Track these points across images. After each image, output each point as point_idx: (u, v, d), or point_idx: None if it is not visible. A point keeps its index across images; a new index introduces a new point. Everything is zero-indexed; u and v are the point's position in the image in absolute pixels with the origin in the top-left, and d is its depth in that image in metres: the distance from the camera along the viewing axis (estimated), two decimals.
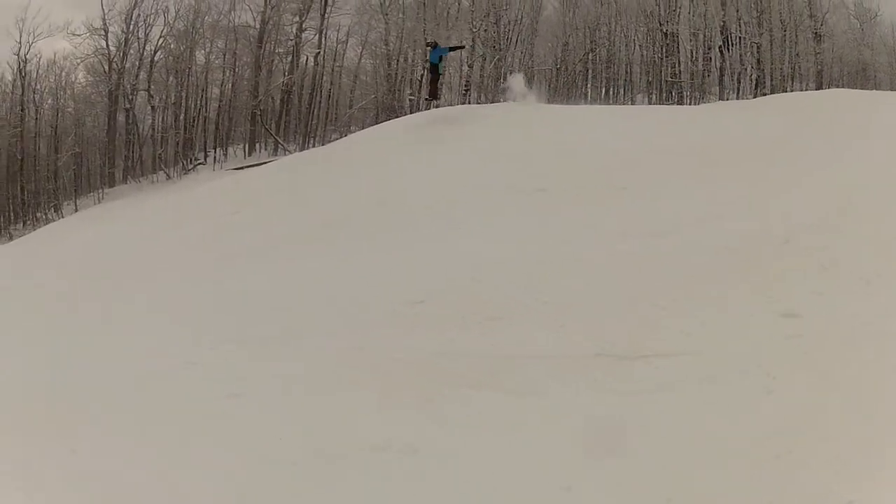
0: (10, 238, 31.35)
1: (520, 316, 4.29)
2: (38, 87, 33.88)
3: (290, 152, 27.36)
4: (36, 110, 33.30)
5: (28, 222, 31.92)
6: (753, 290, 4.20)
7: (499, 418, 3.15)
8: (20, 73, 33.43)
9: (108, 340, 5.49)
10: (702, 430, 2.78)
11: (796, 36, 37.47)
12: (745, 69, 35.57)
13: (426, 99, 13.78)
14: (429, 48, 14.47)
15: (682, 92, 33.18)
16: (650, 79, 32.84)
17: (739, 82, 35.34)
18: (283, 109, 28.17)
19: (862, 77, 39.26)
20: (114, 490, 2.94)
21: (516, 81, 24.57)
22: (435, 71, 14.48)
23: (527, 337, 3.96)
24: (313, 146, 27.79)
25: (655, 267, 4.77)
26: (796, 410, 2.87)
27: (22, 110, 33.23)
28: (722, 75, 35.23)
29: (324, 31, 28.61)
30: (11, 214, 33.09)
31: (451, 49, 14.94)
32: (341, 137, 26.03)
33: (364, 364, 4.01)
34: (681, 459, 2.60)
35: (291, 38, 28.55)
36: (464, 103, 27.94)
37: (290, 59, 28.25)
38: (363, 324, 4.67)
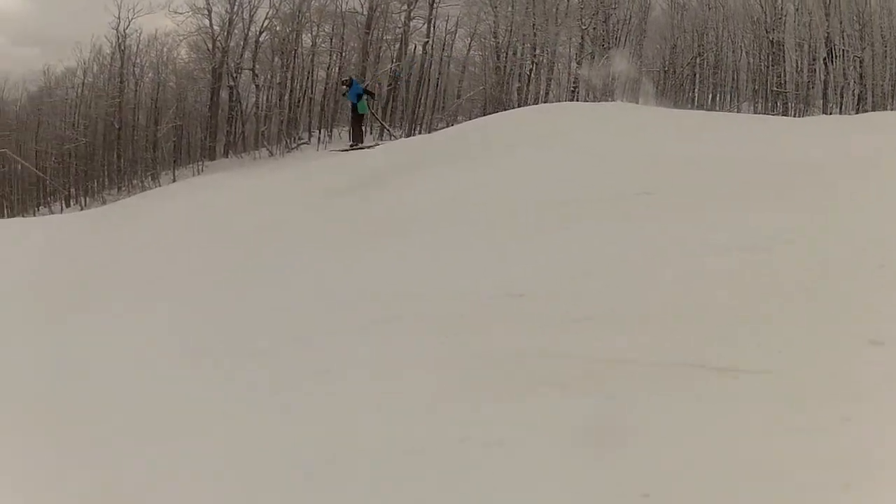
0: (104, 202, 31.61)
1: (615, 319, 4.23)
2: (139, 61, 34.02)
3: (396, 137, 27.11)
4: (136, 83, 33.56)
5: (123, 188, 32.15)
6: (843, 315, 3.98)
7: (588, 423, 3.07)
8: (119, 48, 33.64)
9: None
10: (775, 452, 2.63)
11: None
12: (848, 83, 34.47)
13: (350, 144, 12.74)
14: (344, 86, 13.34)
15: (787, 102, 32.26)
16: (756, 87, 31.98)
17: (842, 97, 34.30)
18: (390, 95, 27.87)
19: None
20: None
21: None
22: (355, 111, 13.46)
23: (620, 341, 3.89)
24: (419, 133, 27.53)
25: (749, 283, 4.57)
26: (871, 440, 2.66)
27: (121, 82, 33.42)
28: (826, 88, 34.25)
29: (432, 21, 28.34)
30: (106, 180, 33.38)
31: (366, 92, 13.57)
32: (447, 126, 25.75)
33: (458, 353, 4.00)
34: (745, 481, 2.47)
35: (399, 25, 28.19)
36: (571, 100, 27.53)
37: (398, 46, 27.88)
38: (461, 312, 4.69)
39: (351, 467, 3.10)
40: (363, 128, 13.03)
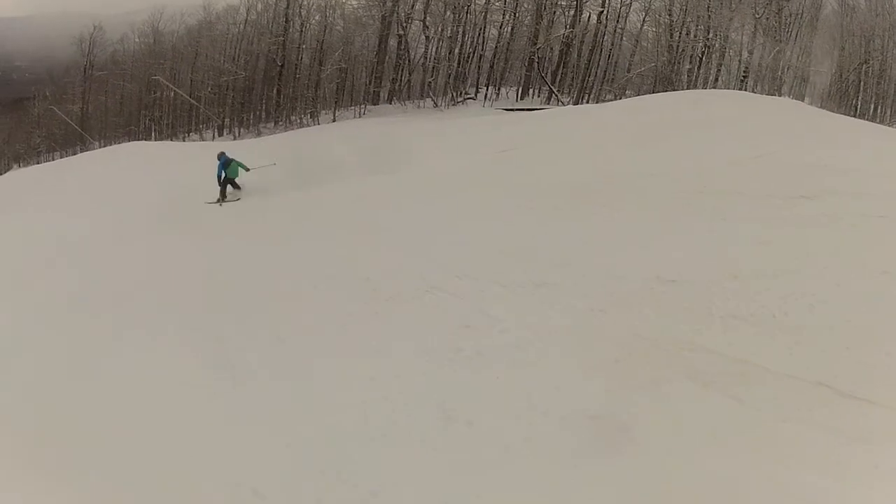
0: (259, 134, 32.49)
1: (762, 323, 4.21)
2: (306, 2, 34.82)
3: (564, 104, 27.32)
4: (301, 24, 34.29)
5: (280, 123, 33.03)
6: None
7: (714, 421, 3.20)
8: None
9: None
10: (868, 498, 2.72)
11: None
12: None
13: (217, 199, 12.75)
14: (218, 160, 13.40)
15: None
16: None
17: None
18: (561, 61, 28.14)
19: None
20: None
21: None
22: (227, 179, 13.58)
23: (761, 346, 3.90)
24: (587, 102, 27.68)
25: None
26: None
27: (286, 21, 34.25)
28: None
29: None
30: (263, 114, 34.32)
31: (239, 165, 13.58)
32: (616, 99, 25.84)
33: (603, 333, 4.11)
34: None
35: None
36: (741, 89, 27.28)
37: (572, 12, 28.08)
38: (614, 291, 4.77)
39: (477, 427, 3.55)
40: (227, 193, 13.50)
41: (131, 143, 34.09)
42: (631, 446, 3.16)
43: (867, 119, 30.03)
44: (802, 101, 27.79)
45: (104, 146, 38.48)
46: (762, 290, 4.64)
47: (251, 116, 34.19)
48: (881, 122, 31.14)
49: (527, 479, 3.12)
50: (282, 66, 33.57)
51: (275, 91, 33.26)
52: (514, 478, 3.14)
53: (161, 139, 38.86)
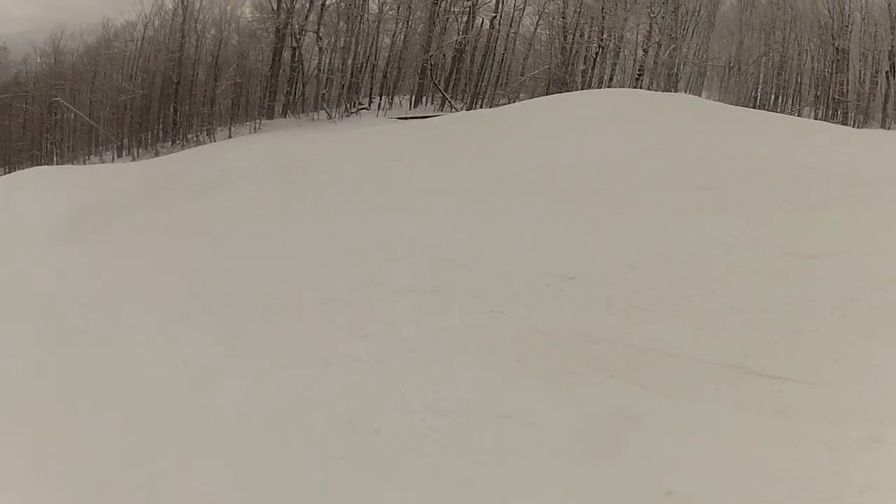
0: (157, 154, 31.31)
1: (664, 310, 4.20)
2: (201, 17, 33.65)
3: (457, 109, 26.60)
4: (197, 39, 33.11)
5: (177, 142, 31.83)
6: None
7: (622, 408, 3.14)
8: (182, 3, 33.35)
9: None
10: (791, 471, 2.63)
11: None
12: None
13: None
14: None
15: (846, 112, 31.37)
16: (818, 93, 31.10)
17: None
18: (454, 68, 27.41)
19: None
20: None
21: None
22: None
23: (665, 333, 3.89)
24: (480, 107, 26.99)
25: (808, 291, 4.42)
26: None
27: (182, 37, 33.06)
28: (886, 102, 33.29)
29: None
30: (161, 133, 33.07)
31: None
32: (509, 102, 25.16)
33: (502, 332, 4.07)
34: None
35: None
36: (635, 87, 26.86)
37: (465, 18, 27.41)
38: (512, 290, 4.74)
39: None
40: None
41: (32, 168, 32.48)
42: (540, 442, 3.04)
43: (767, 109, 29.85)
44: (699, 95, 27.54)
45: (8, 172, 36.76)
46: (662, 279, 4.63)
47: (149, 136, 32.86)
48: (782, 111, 30.98)
49: (431, 480, 3.06)
50: (178, 83, 32.32)
51: (171, 109, 31.97)
52: (419, 479, 3.06)
53: (62, 163, 37.27)
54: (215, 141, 30.24)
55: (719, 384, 3.28)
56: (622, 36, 28.95)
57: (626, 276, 4.73)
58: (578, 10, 28.84)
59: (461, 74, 28.44)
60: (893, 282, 4.29)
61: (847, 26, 33.84)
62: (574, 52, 28.17)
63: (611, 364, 3.59)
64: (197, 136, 31.15)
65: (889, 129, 31.66)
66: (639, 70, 28.45)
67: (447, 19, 28.70)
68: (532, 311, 4.42)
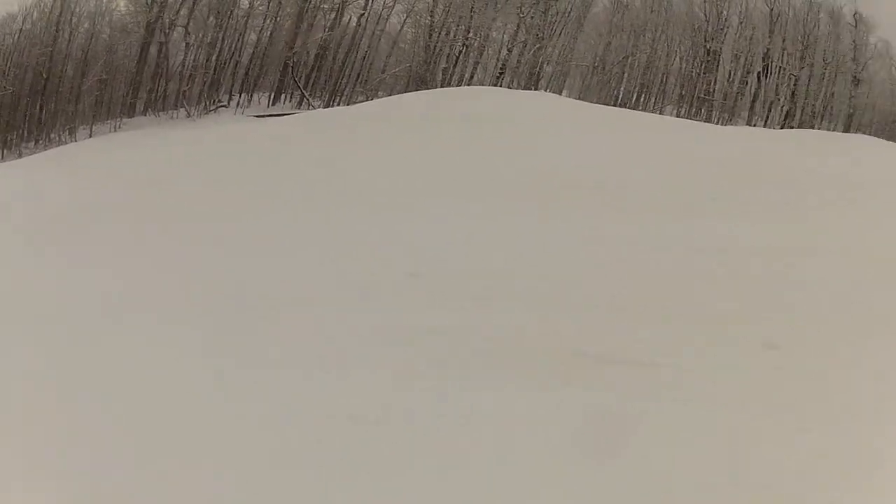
0: (20, 155, 30.39)
1: (510, 301, 4.34)
2: (77, 9, 32.77)
3: (315, 107, 26.50)
4: (70, 32, 32.23)
5: (41, 142, 30.95)
6: (741, 318, 4.16)
7: (471, 403, 3.07)
8: None
9: None
10: (650, 449, 2.63)
11: (835, 76, 36.39)
12: (779, 99, 34.57)
13: None
14: None
15: (711, 110, 32.20)
16: (683, 92, 31.85)
17: (770, 111, 34.45)
18: (316, 65, 27.30)
19: (891, 129, 37.76)
20: None
21: None
22: None
23: (511, 325, 3.95)
24: (338, 104, 26.91)
25: (653, 279, 4.79)
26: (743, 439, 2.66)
27: (56, 31, 32.17)
28: (754, 101, 34.29)
29: None
30: (25, 132, 32.09)
31: None
32: (367, 100, 25.17)
33: (354, 331, 4.00)
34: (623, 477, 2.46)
35: None
36: (496, 86, 27.08)
37: (333, 15, 27.23)
38: (359, 290, 4.76)
39: None
40: None
41: None
42: (409, 435, 2.89)
43: (629, 107, 30.41)
44: (560, 94, 27.98)
45: None
46: (507, 273, 4.77)
47: (14, 136, 31.86)
48: (644, 108, 31.61)
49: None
50: (47, 78, 31.44)
51: (38, 107, 31.12)
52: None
53: None
54: (76, 141, 29.57)
55: (569, 372, 3.32)
56: (488, 35, 29.18)
57: (473, 271, 4.94)
58: (447, 8, 28.98)
59: (322, 72, 28.35)
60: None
61: (723, 29, 34.79)
62: (437, 50, 28.30)
63: (456, 357, 3.54)
64: (59, 136, 30.38)
65: (755, 125, 32.66)
66: (500, 68, 28.68)
67: (315, 16, 28.58)
68: (379, 309, 4.42)
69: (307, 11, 28.72)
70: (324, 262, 5.50)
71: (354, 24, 28.92)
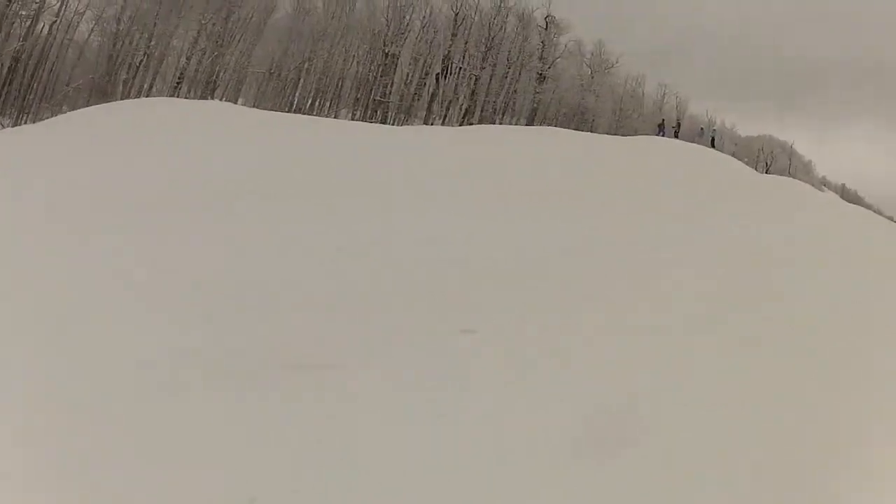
0: None
1: (217, 318, 6.96)
2: None
3: (4, 126, 42.71)
4: None
5: None
6: (434, 308, 7.29)
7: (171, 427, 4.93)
8: None
9: None
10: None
11: (519, 74, 59.47)
12: (458, 98, 57.10)
13: None
14: None
15: (387, 112, 54.03)
16: (359, 95, 53.39)
17: (448, 109, 56.86)
18: (8, 79, 43.74)
19: (580, 119, 61.57)
20: None
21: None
22: None
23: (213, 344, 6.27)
24: (26, 122, 43.18)
25: (345, 283, 8.00)
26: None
27: None
28: (432, 101, 56.62)
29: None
30: None
31: None
32: (53, 116, 33.56)
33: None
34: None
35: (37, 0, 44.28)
36: (174, 96, 46.36)
37: (29, 23, 43.70)
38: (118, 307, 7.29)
39: None
40: None
41: None
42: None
43: (304, 112, 51.08)
44: (236, 102, 47.53)
45: None
46: (230, 284, 7.85)
47: None
48: (319, 113, 52.81)
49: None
50: None
51: None
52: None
53: None
54: None
55: (288, 384, 5.51)
56: (169, 43, 48.87)
57: (197, 281, 7.94)
58: (134, 15, 48.00)
59: (13, 87, 45.61)
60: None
61: (404, 33, 56.63)
62: (120, 60, 47.48)
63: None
64: None
65: (432, 124, 54.24)
66: (178, 78, 48.55)
67: (13, 23, 46.14)
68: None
69: (6, 17, 45.75)
70: None
71: (46, 32, 47.05)
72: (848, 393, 5.70)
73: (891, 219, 72.68)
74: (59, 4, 46.71)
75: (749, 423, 5.08)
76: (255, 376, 5.53)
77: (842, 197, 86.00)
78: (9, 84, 44.05)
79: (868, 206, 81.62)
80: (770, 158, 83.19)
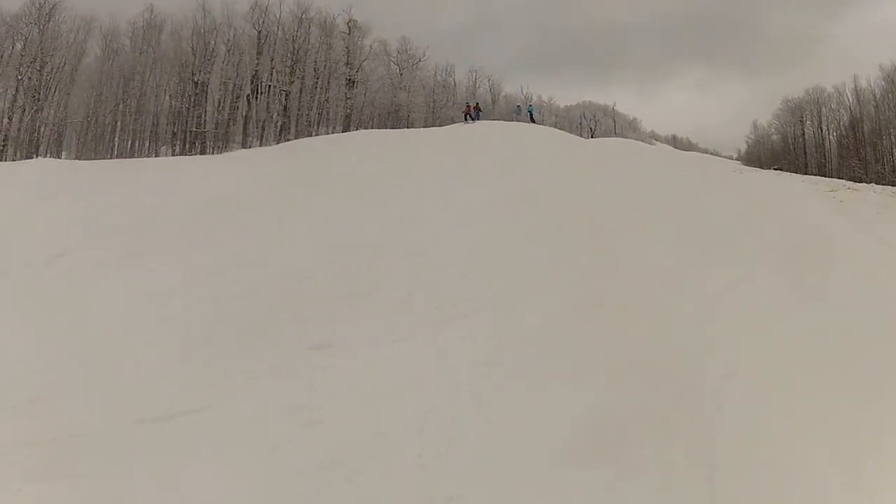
0: None
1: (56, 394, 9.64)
2: None
3: None
4: None
5: None
6: (282, 329, 11.13)
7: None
8: None
9: None
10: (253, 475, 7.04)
11: (328, 83, 73.91)
12: (272, 116, 71.30)
13: None
14: None
15: (205, 142, 67.91)
16: (175, 130, 67.08)
17: (264, 129, 70.82)
18: None
19: (395, 117, 76.25)
20: None
21: None
22: None
23: (60, 415, 8.39)
24: None
25: (165, 329, 11.67)
26: (342, 444, 7.69)
27: None
28: (247, 123, 70.58)
29: None
30: None
31: None
32: None
33: None
34: None
35: None
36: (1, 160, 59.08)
37: None
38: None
39: None
40: None
41: None
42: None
43: (126, 156, 63.25)
44: (59, 156, 58.93)
45: None
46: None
47: None
48: (139, 154, 65.60)
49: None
50: None
51: None
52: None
53: None
54: None
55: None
56: None
57: None
58: None
59: None
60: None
61: (210, 60, 69.73)
62: None
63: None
64: None
65: (250, 147, 67.17)
66: (3, 140, 61.29)
67: None
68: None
69: None
70: None
71: None
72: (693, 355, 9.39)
73: (730, 158, 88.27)
74: None
75: None
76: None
77: (675, 147, 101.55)
78: None
79: (704, 151, 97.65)
80: (594, 123, 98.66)
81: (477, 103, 62.08)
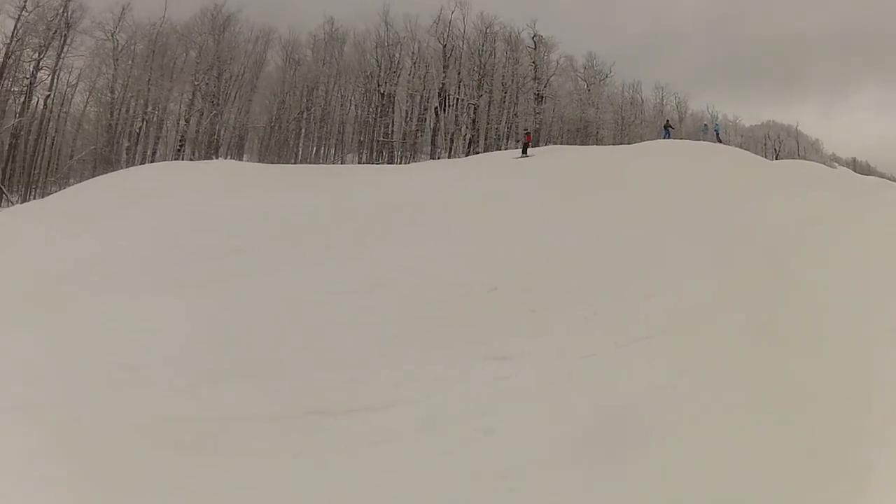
0: None
1: (234, 375, 7.79)
2: None
3: (13, 203, 47.52)
4: None
5: None
6: (465, 337, 8.41)
7: (203, 483, 5.77)
8: None
9: None
10: (421, 477, 5.66)
11: (517, 98, 64.82)
12: (460, 129, 62.33)
13: None
14: None
15: (392, 151, 59.13)
16: (362, 138, 58.55)
17: (452, 142, 62.08)
18: (10, 155, 49.21)
19: (583, 134, 66.74)
20: None
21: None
22: None
23: (239, 398, 7.15)
24: (34, 198, 48.11)
25: (366, 322, 9.33)
26: (517, 448, 5.94)
27: None
28: (435, 135, 61.79)
29: (57, 72, 50.47)
30: None
31: None
32: (60, 189, 38.41)
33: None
34: None
35: (28, 75, 49.09)
36: (177, 159, 51.18)
37: (23, 99, 48.83)
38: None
39: None
40: None
41: None
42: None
43: (310, 162, 55.65)
44: (241, 159, 52.38)
45: None
46: (221, 350, 8.66)
47: None
48: (325, 160, 57.75)
49: None
50: None
51: None
52: None
53: None
54: None
55: (303, 431, 6.75)
56: (166, 107, 53.77)
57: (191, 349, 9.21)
58: (126, 82, 52.85)
59: (17, 163, 50.49)
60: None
61: (396, 72, 61.91)
62: (119, 128, 52.30)
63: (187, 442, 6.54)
64: None
65: (438, 158, 58.98)
66: (180, 141, 53.40)
67: (7, 100, 50.73)
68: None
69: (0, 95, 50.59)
70: None
71: (42, 106, 51.83)
72: (861, 394, 5.99)
73: None
74: (50, 78, 51.09)
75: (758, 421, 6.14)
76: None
77: (854, 171, 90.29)
78: (12, 161, 48.50)
79: (882, 175, 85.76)
80: (778, 144, 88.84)
81: (668, 121, 52.73)
